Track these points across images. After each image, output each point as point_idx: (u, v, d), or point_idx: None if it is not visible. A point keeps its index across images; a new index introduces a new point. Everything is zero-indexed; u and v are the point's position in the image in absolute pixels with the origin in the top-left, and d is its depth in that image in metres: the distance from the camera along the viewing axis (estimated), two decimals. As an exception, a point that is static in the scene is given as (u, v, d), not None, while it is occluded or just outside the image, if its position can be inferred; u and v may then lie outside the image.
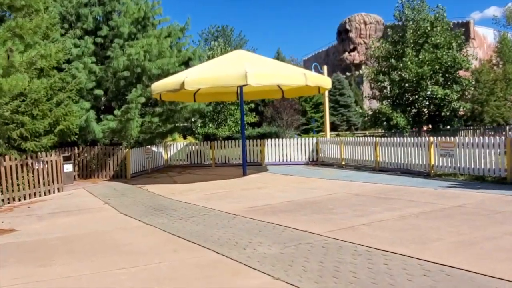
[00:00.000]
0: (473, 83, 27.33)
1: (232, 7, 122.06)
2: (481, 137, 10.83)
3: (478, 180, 10.87)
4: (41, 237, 7.00)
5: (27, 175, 11.41)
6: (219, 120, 34.49)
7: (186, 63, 17.59)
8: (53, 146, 12.67)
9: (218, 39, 51.40)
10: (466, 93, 28.15)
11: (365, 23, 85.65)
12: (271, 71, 13.18)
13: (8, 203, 10.69)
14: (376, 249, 5.21)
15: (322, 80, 14.33)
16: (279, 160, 17.88)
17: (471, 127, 33.51)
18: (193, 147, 19.14)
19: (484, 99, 33.08)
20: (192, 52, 18.22)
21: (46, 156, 12.11)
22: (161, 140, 18.40)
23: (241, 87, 14.71)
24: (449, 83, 25.77)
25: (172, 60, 16.59)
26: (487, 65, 36.73)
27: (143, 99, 14.79)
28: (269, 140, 18.26)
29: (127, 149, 15.61)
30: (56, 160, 12.52)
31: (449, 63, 24.84)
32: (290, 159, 17.79)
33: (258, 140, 18.19)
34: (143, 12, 16.54)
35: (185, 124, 43.10)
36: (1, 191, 10.52)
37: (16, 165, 11.04)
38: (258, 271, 4.62)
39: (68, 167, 14.46)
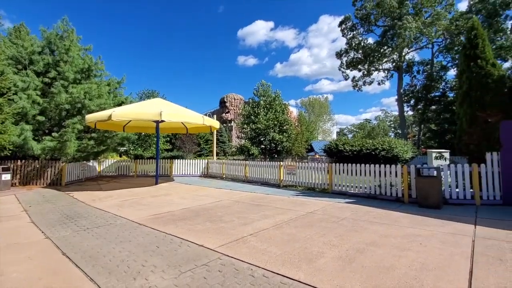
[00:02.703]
0: (294, 132, 27.50)
1: (157, 78, 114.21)
2: (313, 163, 9.42)
3: (310, 190, 9.40)
4: None
5: None
6: (146, 146, 31.38)
7: (120, 105, 13.73)
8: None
9: (150, 98, 46.61)
10: (291, 138, 28.15)
11: (234, 99, 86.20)
12: (179, 113, 10.41)
13: None
14: (272, 272, 2.91)
15: (214, 122, 11.94)
16: (183, 173, 14.77)
17: (289, 157, 34.20)
18: (121, 163, 14.97)
19: (292, 143, 34.43)
20: (125, 98, 14.41)
21: (-27, 167, 7.51)
22: (96, 157, 13.92)
23: (157, 123, 11.62)
24: (281, 132, 25.46)
25: (108, 101, 12.69)
26: (294, 126, 38.83)
27: (79, 126, 10.69)
28: (176, 160, 15.07)
29: (64, 163, 11.14)
30: (-16, 171, 7.90)
31: (282, 121, 24.55)
32: (190, 173, 14.80)
33: (169, 160, 14.88)
34: (87, 65, 12.43)
35: (123, 148, 36.88)
36: None
37: None
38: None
39: (6, 176, 9.75)
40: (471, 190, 6.78)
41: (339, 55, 30.57)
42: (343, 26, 29.32)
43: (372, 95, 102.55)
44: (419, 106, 31.74)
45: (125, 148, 34.77)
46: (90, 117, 9.60)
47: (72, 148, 10.96)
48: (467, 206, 6.65)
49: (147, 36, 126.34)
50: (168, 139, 37.08)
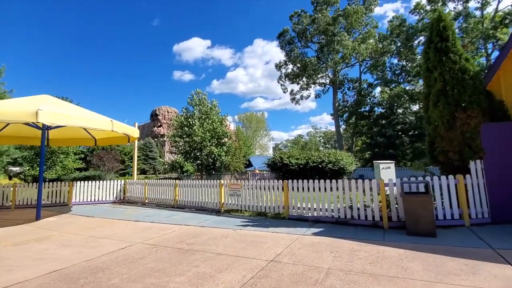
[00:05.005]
0: (234, 147, 25.42)
1: (77, 87, 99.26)
2: (263, 181, 7.29)
3: (260, 215, 7.18)
4: None
5: None
6: (48, 164, 24.35)
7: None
8: None
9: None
10: (230, 152, 25.90)
11: (168, 112, 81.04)
12: (73, 114, 7.14)
13: None
14: None
15: (130, 130, 8.91)
16: (88, 199, 10.92)
17: (228, 173, 31.89)
18: (-11, 189, 10.36)
19: (231, 157, 32.48)
20: (0, 97, 10.20)
21: None
22: None
23: (43, 130, 8.04)
24: (220, 145, 23.02)
25: (-38, 99, 8.52)
26: (232, 140, 37.27)
27: None
28: (78, 182, 11.11)
29: None
30: None
31: (220, 133, 22.23)
32: (99, 199, 11.06)
33: (65, 182, 10.93)
34: None
35: (15, 168, 28.99)
36: None
37: None
38: None
39: None
40: (458, 208, 5.57)
41: (278, 66, 30.29)
42: (282, 38, 29.27)
43: (302, 113, 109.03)
44: (351, 121, 33.39)
45: (17, 169, 27.43)
46: None
47: None
48: (458, 228, 5.35)
49: (67, 44, 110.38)
50: (82, 155, 30.74)
